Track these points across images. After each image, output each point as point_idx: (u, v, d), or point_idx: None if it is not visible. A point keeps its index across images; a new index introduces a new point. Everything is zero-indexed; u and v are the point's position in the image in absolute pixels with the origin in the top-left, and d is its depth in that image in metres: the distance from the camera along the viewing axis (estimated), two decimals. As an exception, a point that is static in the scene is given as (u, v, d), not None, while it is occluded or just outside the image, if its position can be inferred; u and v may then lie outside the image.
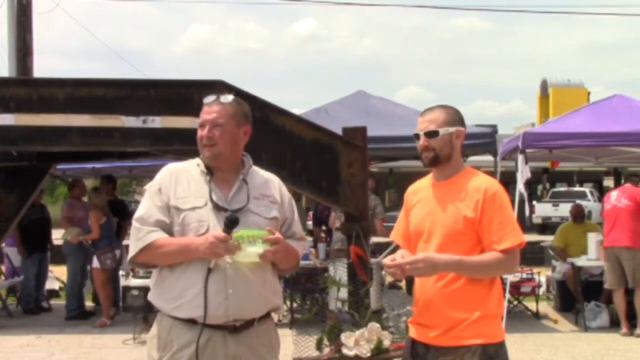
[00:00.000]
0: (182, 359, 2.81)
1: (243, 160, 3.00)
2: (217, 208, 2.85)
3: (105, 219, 9.43)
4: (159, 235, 2.83)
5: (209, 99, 2.96)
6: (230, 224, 2.73)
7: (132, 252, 2.88)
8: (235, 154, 2.97)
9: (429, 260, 2.86)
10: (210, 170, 2.93)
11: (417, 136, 3.06)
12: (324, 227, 10.56)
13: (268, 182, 3.04)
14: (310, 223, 10.37)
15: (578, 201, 13.93)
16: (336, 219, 9.07)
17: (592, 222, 10.60)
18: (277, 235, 2.82)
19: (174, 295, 2.83)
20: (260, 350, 2.91)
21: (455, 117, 3.07)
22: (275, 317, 3.07)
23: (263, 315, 2.92)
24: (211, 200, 2.86)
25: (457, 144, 3.06)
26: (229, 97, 2.97)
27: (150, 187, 2.94)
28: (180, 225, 2.84)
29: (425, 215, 3.05)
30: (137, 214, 2.90)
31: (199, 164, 2.96)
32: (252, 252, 2.75)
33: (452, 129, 3.03)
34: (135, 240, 2.86)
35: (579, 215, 10.33)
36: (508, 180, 8.32)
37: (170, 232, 2.86)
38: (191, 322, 2.80)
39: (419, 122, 3.07)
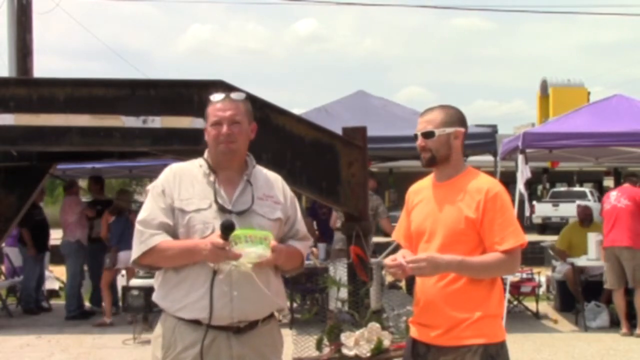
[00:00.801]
0: (186, 359, 2.80)
1: (246, 160, 2.97)
2: (222, 210, 2.82)
3: (113, 219, 9.51)
4: (162, 239, 2.80)
5: (217, 96, 2.91)
6: (226, 230, 2.67)
7: (135, 255, 2.86)
8: (245, 152, 2.96)
9: (432, 260, 2.85)
10: (213, 171, 2.90)
11: (416, 136, 3.06)
12: (315, 225, 10.51)
13: (271, 182, 3.01)
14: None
15: (583, 203, 13.62)
16: (337, 219, 9.06)
17: (599, 223, 9.89)
18: (274, 244, 2.75)
19: (178, 297, 2.81)
20: (263, 350, 2.90)
21: (455, 118, 3.06)
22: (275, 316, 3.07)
23: (267, 316, 2.91)
24: (216, 202, 2.83)
25: (456, 145, 3.05)
26: (240, 95, 2.95)
27: (153, 188, 2.90)
28: (185, 227, 2.82)
29: (427, 216, 3.04)
30: (140, 216, 2.86)
31: (202, 164, 2.93)
32: (251, 251, 2.70)
33: (449, 130, 3.02)
34: (139, 243, 2.83)
35: (586, 218, 10.08)
36: (508, 180, 8.29)
37: (174, 234, 2.83)
38: (195, 322, 2.79)
39: (419, 122, 3.08)
